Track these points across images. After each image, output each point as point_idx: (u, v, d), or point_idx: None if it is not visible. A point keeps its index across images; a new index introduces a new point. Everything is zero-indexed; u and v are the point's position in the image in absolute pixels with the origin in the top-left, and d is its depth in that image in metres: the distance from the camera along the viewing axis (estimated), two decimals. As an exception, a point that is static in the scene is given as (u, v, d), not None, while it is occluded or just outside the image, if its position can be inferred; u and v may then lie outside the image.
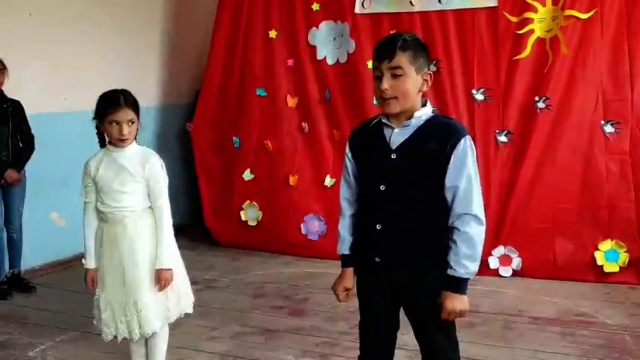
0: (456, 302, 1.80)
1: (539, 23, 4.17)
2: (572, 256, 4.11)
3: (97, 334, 2.59)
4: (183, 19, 5.77)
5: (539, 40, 4.18)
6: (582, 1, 4.05)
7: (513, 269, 4.22)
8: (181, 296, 2.52)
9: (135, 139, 2.46)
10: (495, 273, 4.19)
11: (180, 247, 2.60)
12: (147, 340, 2.57)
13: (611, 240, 4.02)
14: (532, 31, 4.19)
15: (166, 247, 2.43)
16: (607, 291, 3.91)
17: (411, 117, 1.83)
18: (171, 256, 2.46)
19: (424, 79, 1.82)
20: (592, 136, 4.10)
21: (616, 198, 4.04)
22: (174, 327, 2.72)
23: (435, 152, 1.79)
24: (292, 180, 4.85)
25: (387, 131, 1.87)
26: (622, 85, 4.05)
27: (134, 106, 2.40)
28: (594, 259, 4.04)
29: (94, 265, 2.49)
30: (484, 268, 3.77)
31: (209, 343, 3.21)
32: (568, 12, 4.07)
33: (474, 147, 1.82)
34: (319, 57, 4.79)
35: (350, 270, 2.00)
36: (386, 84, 1.77)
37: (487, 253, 4.15)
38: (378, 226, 1.85)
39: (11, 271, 4.02)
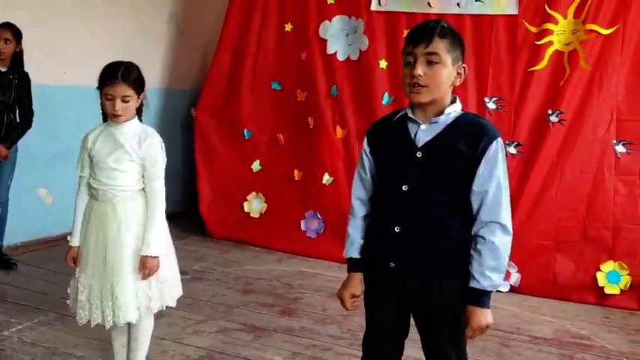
0: (482, 318, 1.69)
1: (558, 35, 4.06)
2: (573, 276, 4.00)
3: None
4: (191, 2, 5.63)
5: (557, 53, 4.07)
6: (605, 16, 3.94)
7: (511, 285, 4.11)
8: (166, 287, 2.35)
9: (140, 118, 2.33)
10: (493, 288, 4.09)
11: (170, 235, 2.44)
12: (130, 329, 2.42)
13: (614, 261, 3.92)
14: (551, 43, 4.07)
15: (155, 233, 2.27)
16: (605, 314, 3.80)
17: (439, 113, 1.71)
18: (160, 243, 2.29)
19: (458, 73, 1.70)
20: (603, 155, 3.99)
21: (622, 220, 3.93)
22: (159, 317, 2.59)
23: (464, 153, 1.66)
24: (297, 175, 4.77)
25: (412, 127, 1.73)
26: (638, 106, 3.94)
27: (134, 82, 2.24)
28: (595, 280, 3.93)
29: (77, 243, 2.34)
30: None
31: (195, 336, 3.08)
32: (589, 26, 3.96)
33: (504, 150, 1.70)
34: (329, 51, 4.67)
35: (358, 275, 1.85)
36: (420, 69, 1.64)
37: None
38: (396, 229, 1.71)
39: (-7, 245, 3.88)
